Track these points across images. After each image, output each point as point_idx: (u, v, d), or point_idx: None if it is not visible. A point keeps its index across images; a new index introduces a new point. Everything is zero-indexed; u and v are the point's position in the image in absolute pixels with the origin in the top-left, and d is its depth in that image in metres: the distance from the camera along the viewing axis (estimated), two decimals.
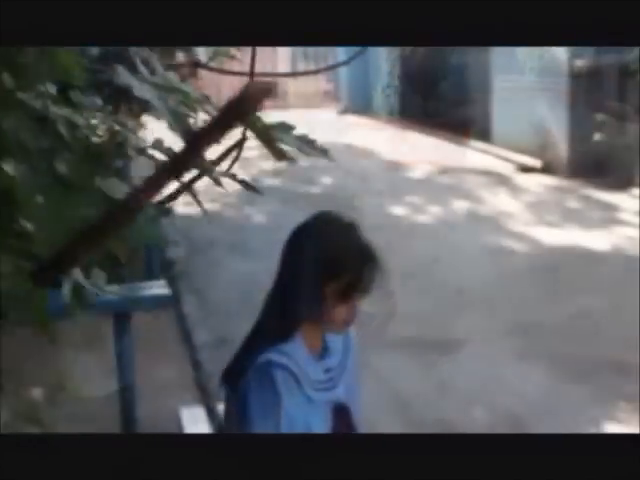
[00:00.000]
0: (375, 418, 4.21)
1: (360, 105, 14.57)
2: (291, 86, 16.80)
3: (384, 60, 14.34)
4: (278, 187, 8.83)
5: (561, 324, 5.47)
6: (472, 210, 8.23)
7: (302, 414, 2.01)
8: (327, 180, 9.16)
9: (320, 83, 17.49)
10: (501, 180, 9.60)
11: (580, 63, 9.56)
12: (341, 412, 2.10)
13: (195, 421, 3.69)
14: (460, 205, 8.37)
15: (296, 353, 2.01)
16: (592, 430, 4.05)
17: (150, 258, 6.08)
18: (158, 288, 3.76)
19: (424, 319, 5.58)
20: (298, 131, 1.41)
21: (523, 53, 10.66)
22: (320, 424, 2.05)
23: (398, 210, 8.12)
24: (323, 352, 2.09)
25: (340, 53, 15.12)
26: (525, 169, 10.29)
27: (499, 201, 8.65)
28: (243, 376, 2.02)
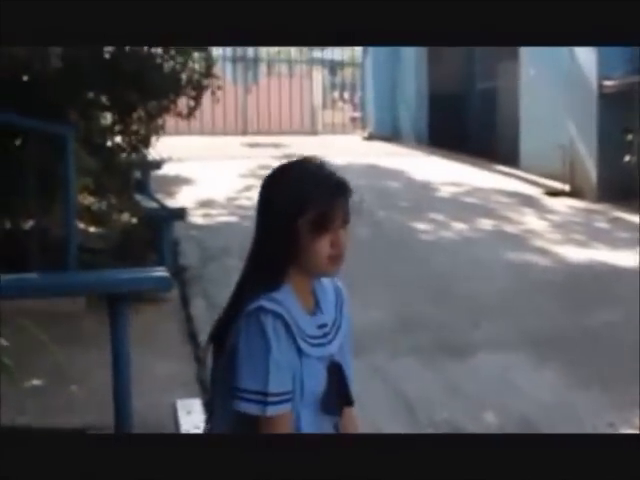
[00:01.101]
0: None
1: (387, 131, 14.50)
2: (320, 114, 16.82)
3: (412, 87, 14.27)
4: None
5: (580, 335, 5.30)
6: (497, 227, 8.06)
7: (294, 366, 1.97)
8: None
9: (347, 113, 17.53)
10: (528, 201, 9.42)
11: (609, 83, 9.39)
12: (334, 370, 2.04)
13: (190, 412, 3.58)
14: (485, 222, 8.21)
15: (287, 302, 1.97)
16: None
17: (162, 264, 6.00)
18: (157, 272, 3.66)
19: (439, 328, 5.41)
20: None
21: (551, 77, 10.52)
22: (314, 380, 2.00)
23: (420, 226, 7.97)
24: (316, 309, 2.05)
25: (369, 85, 15.13)
26: (553, 193, 10.09)
27: (525, 220, 8.47)
28: (231, 329, 1.98)
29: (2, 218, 5.63)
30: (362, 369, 4.73)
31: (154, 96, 5.45)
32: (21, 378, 4.25)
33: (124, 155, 5.75)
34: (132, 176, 6.84)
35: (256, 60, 15.28)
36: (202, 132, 13.80)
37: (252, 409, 1.98)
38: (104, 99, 5.58)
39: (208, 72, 6.10)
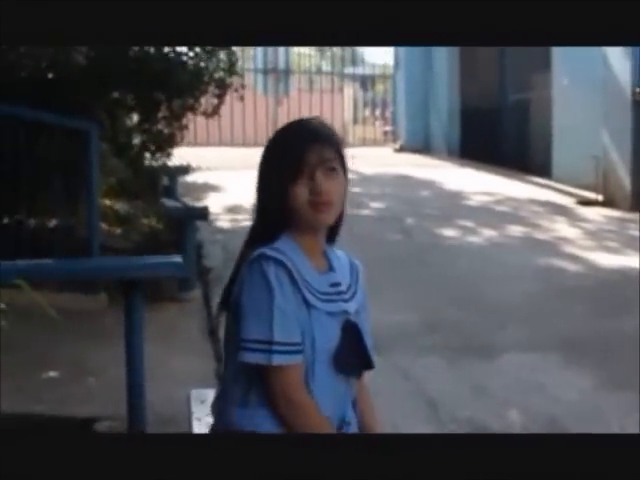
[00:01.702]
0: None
1: (418, 144, 14.43)
2: (352, 127, 16.80)
3: (444, 99, 14.20)
4: None
5: (610, 338, 5.16)
6: (527, 234, 7.93)
7: (302, 318, 1.94)
8: (378, 205, 8.98)
9: (378, 126, 17.49)
10: (560, 210, 9.28)
11: None
12: (350, 329, 2.01)
13: (204, 401, 3.51)
14: (515, 229, 8.09)
15: (290, 253, 1.95)
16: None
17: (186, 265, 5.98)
18: (173, 258, 3.62)
19: (465, 330, 5.31)
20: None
21: (584, 86, 10.39)
22: (325, 336, 1.96)
23: (449, 232, 7.87)
24: (327, 269, 2.05)
25: (400, 98, 15.09)
26: (585, 202, 9.93)
27: (556, 228, 8.33)
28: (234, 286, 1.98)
29: (27, 216, 5.65)
30: (385, 368, 4.64)
31: (178, 94, 5.44)
32: (40, 370, 4.25)
33: (149, 155, 5.73)
34: (159, 181, 6.85)
35: (287, 72, 15.30)
36: (233, 143, 13.81)
37: (258, 358, 1.93)
38: (129, 98, 5.58)
39: (231, 70, 6.10)
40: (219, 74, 5.94)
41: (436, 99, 14.43)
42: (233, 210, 8.11)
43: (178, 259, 3.54)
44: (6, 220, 5.67)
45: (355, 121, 17.08)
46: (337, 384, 2.01)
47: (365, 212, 8.58)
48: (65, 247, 5.39)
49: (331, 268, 2.06)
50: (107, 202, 5.84)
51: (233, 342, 1.97)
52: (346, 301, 2.03)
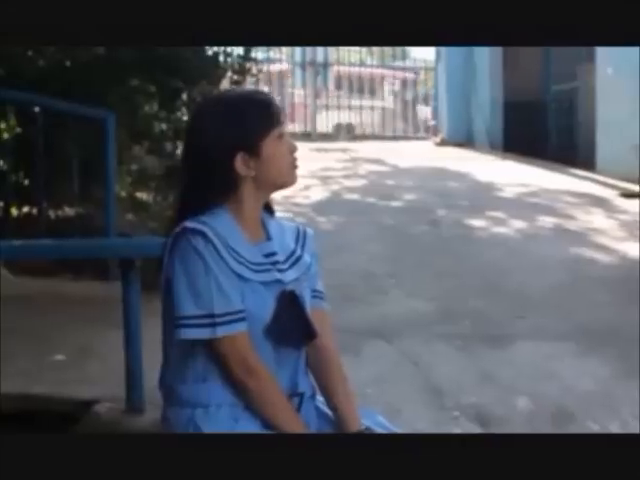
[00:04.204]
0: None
1: (460, 137, 14.23)
2: (392, 121, 16.65)
3: (486, 92, 14.01)
4: (355, 201, 8.63)
5: (633, 329, 4.99)
6: (559, 225, 7.76)
7: (235, 288, 1.92)
8: (409, 196, 8.88)
9: (418, 120, 17.28)
10: (598, 202, 9.06)
11: None
12: (286, 298, 1.98)
13: None
14: (546, 220, 7.92)
15: (218, 224, 1.93)
16: None
17: None
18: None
19: (481, 318, 5.21)
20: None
21: (629, 75, 10.14)
22: (257, 305, 1.94)
23: (478, 223, 7.74)
24: (263, 238, 2.03)
25: (442, 91, 14.94)
26: (628, 194, 9.69)
27: (591, 219, 8.14)
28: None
29: (46, 205, 5.72)
30: (393, 354, 4.61)
31: (195, 80, 5.45)
32: (45, 353, 4.29)
33: (169, 143, 5.75)
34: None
35: (326, 65, 15.26)
36: None
37: (201, 333, 1.91)
38: (147, 86, 5.61)
39: (247, 55, 6.09)
40: (235, 60, 5.93)
41: (478, 92, 14.24)
42: None
43: None
44: (26, 209, 5.75)
45: (395, 112, 16.91)
46: (280, 355, 1.97)
47: (395, 204, 8.50)
48: (83, 235, 5.44)
49: (268, 238, 2.03)
50: (126, 190, 5.88)
51: (171, 321, 1.94)
52: (282, 271, 1.99)
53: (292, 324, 1.96)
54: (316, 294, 2.10)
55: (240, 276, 1.92)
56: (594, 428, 3.75)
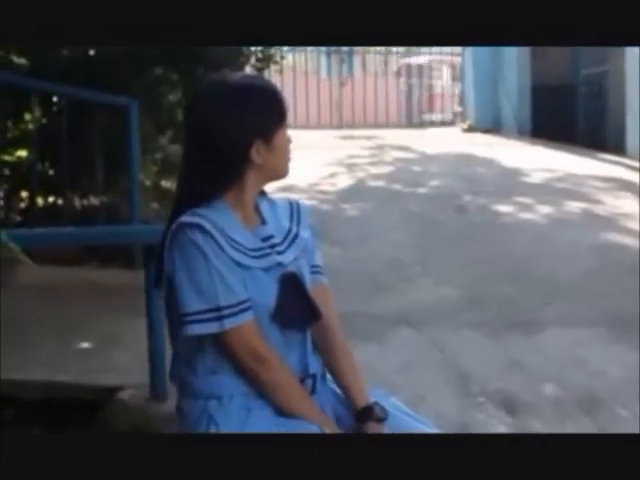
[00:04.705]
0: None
1: (487, 123, 14.10)
2: (418, 107, 16.57)
3: (514, 77, 13.86)
4: (382, 188, 8.58)
5: None
6: (587, 210, 7.67)
7: (237, 278, 1.91)
8: (435, 183, 8.82)
9: (446, 106, 17.16)
10: (627, 187, 8.94)
11: None
12: (288, 280, 1.97)
13: None
14: (574, 205, 7.83)
15: (216, 216, 1.92)
16: None
17: None
18: None
19: (508, 305, 5.16)
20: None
21: None
22: (261, 292, 1.93)
23: (505, 208, 7.67)
24: (259, 223, 2.02)
25: (469, 77, 14.81)
26: None
27: (620, 204, 8.03)
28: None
29: (71, 195, 5.74)
30: (420, 341, 4.58)
31: (219, 68, 5.43)
32: (70, 342, 4.32)
33: None
34: None
35: (350, 53, 15.19)
36: (296, 126, 13.75)
37: (209, 328, 1.90)
38: (171, 75, 5.61)
39: None
40: (257, 48, 5.92)
41: (505, 77, 14.10)
42: (286, 189, 8.04)
43: None
44: (51, 199, 5.78)
45: (421, 100, 16.81)
46: (288, 338, 1.97)
47: (422, 190, 8.45)
48: (108, 225, 5.46)
49: (263, 222, 2.02)
50: (151, 179, 5.89)
51: (176, 316, 1.93)
52: (281, 252, 1.99)
53: (296, 306, 1.95)
54: (315, 269, 2.08)
55: (241, 264, 1.90)
56: (622, 414, 3.70)
